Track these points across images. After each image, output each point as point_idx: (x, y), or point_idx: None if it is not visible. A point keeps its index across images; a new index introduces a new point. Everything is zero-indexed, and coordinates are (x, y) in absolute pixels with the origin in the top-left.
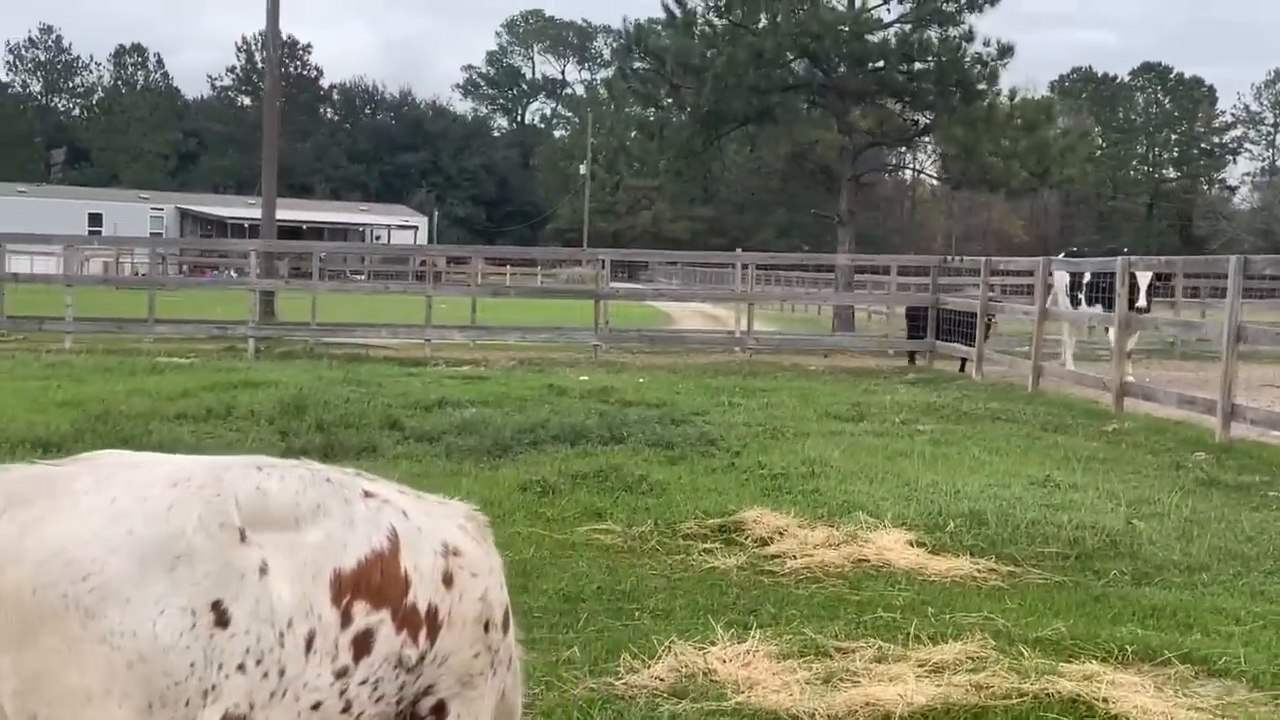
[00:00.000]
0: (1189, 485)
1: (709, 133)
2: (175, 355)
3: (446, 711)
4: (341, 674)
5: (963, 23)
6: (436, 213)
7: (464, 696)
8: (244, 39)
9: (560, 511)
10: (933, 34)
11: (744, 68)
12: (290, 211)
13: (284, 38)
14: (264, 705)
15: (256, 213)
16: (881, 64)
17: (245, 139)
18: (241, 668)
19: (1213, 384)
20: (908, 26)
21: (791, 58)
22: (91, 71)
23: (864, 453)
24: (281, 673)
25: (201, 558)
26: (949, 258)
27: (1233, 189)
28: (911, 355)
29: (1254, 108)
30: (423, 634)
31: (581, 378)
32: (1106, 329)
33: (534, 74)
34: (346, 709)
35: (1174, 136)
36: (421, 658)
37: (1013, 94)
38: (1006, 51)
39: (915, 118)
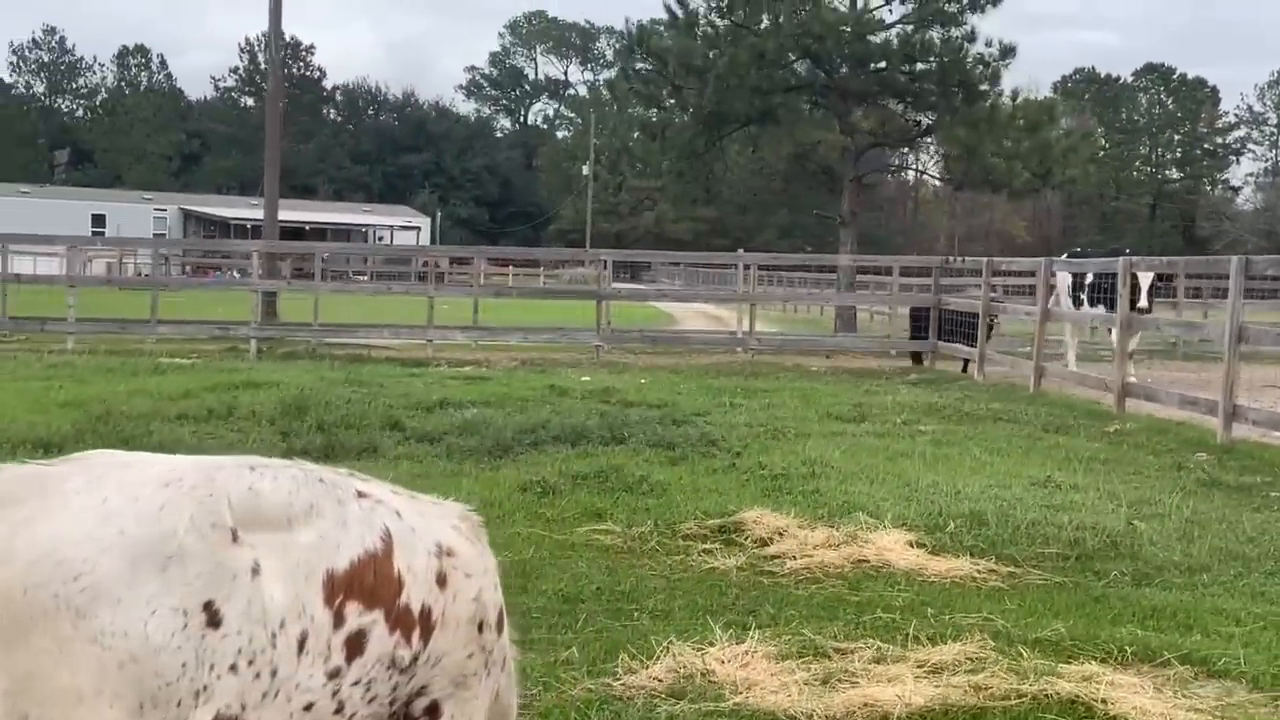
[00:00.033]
0: (1190, 486)
1: (711, 133)
2: (177, 356)
3: (440, 712)
4: (334, 675)
5: (964, 23)
6: (439, 213)
7: (458, 697)
8: (247, 40)
9: (560, 512)
10: (935, 34)
11: (746, 68)
12: (293, 212)
13: (287, 39)
14: (256, 706)
15: (259, 213)
16: (883, 65)
17: (248, 140)
18: (233, 668)
19: (1215, 385)
20: (910, 27)
21: (793, 58)
22: (95, 72)
23: (865, 453)
24: (274, 673)
25: (193, 558)
26: (950, 258)
27: (1236, 189)
28: (916, 356)
29: (1257, 108)
30: (416, 635)
31: (583, 378)
32: (1109, 330)
33: (537, 75)
34: (339, 710)
35: (1177, 137)
36: (415, 658)
37: (1015, 95)
38: (1008, 52)
39: (917, 118)
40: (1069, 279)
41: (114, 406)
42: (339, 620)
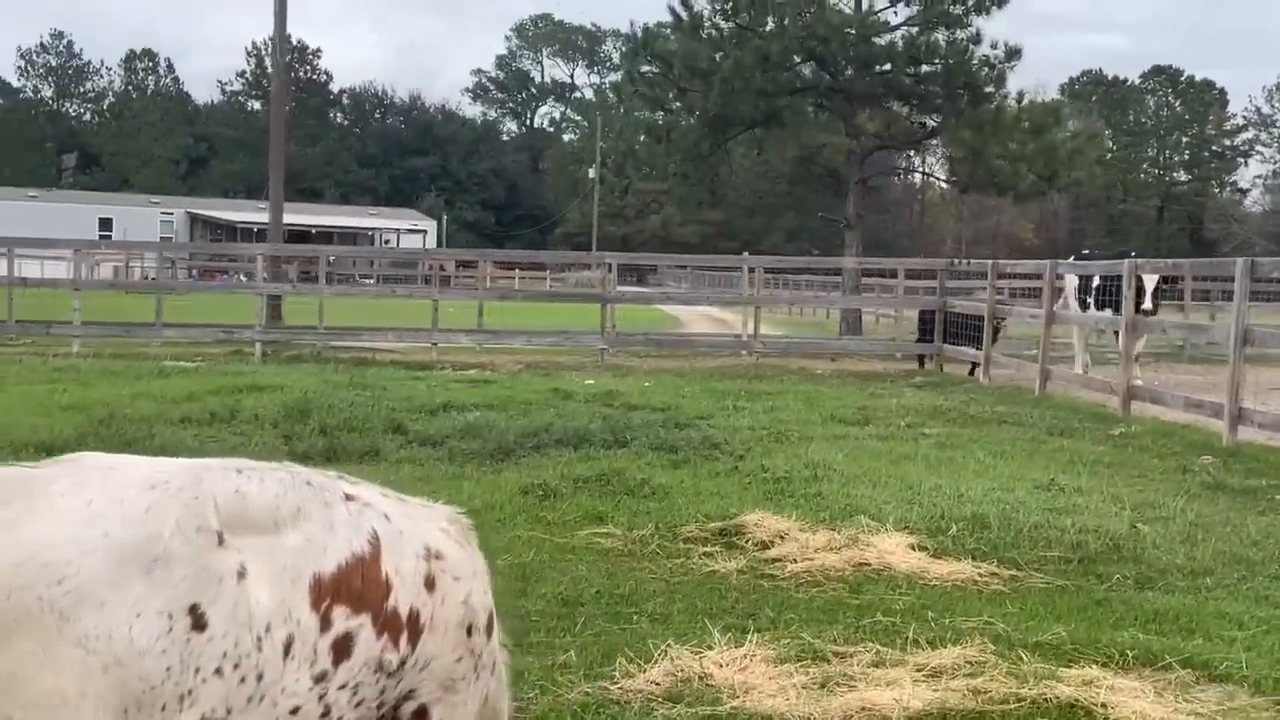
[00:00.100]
0: (1195, 489)
1: (716, 136)
2: (182, 359)
3: (428, 716)
4: (320, 679)
5: (970, 25)
6: (445, 217)
7: (446, 701)
8: (253, 44)
9: (561, 515)
10: (940, 37)
11: (751, 71)
12: (299, 216)
13: (293, 42)
14: (241, 710)
15: (266, 217)
16: (889, 67)
17: (255, 143)
18: (219, 672)
19: (1221, 387)
20: (915, 29)
21: (798, 61)
22: (102, 76)
23: (868, 456)
24: (259, 677)
25: (178, 561)
26: (956, 261)
27: (1244, 192)
28: (922, 358)
29: (1265, 110)
30: (404, 638)
31: (587, 381)
32: (1115, 332)
33: (543, 78)
34: (325, 714)
35: (1185, 139)
36: (402, 662)
37: (1020, 97)
38: (1014, 54)
39: (923, 121)
40: (1076, 281)
41: (117, 410)
42: (326, 624)
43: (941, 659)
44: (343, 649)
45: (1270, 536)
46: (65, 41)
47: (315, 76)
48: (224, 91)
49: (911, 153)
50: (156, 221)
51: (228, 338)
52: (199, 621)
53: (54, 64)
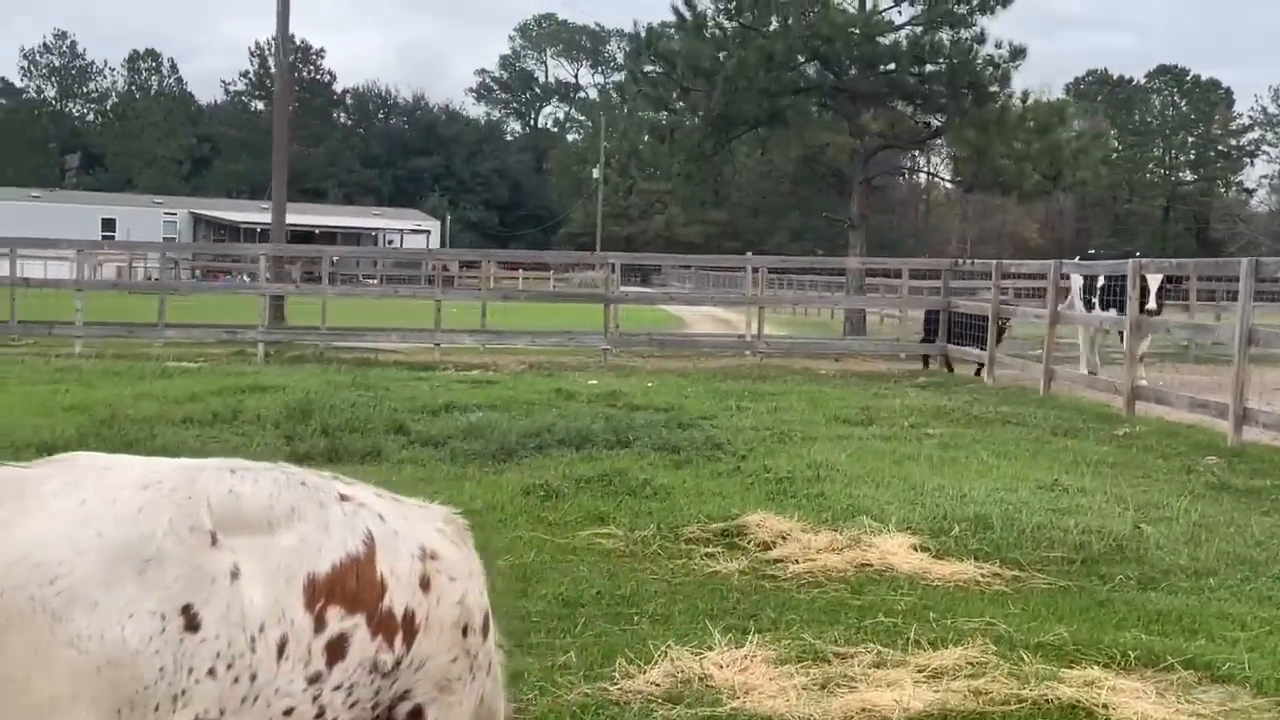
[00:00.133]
0: (1199, 490)
1: (720, 136)
2: (184, 360)
3: (423, 717)
4: (314, 679)
5: (974, 25)
6: (449, 217)
7: (441, 702)
8: (257, 44)
9: (563, 516)
10: (944, 36)
11: (754, 70)
12: (303, 216)
13: (297, 43)
14: (235, 711)
15: (269, 217)
16: (893, 66)
17: (258, 144)
18: (212, 673)
19: (1226, 387)
20: (919, 29)
21: (802, 60)
22: (106, 77)
23: (871, 457)
24: (253, 678)
25: (171, 561)
26: (960, 261)
27: (1250, 192)
28: (925, 359)
29: (1271, 110)
30: (399, 639)
31: (590, 382)
32: (1120, 333)
33: (547, 78)
34: (320, 715)
35: (1190, 139)
36: (397, 663)
37: (1025, 96)
38: (1018, 54)
39: (927, 120)
40: (1081, 282)
41: (119, 410)
42: (320, 624)
43: (943, 660)
44: (337, 650)
45: (1274, 537)
46: (68, 42)
47: (319, 76)
48: (227, 92)
49: (916, 152)
50: (159, 222)
51: (230, 338)
52: (192, 622)
53: (57, 64)
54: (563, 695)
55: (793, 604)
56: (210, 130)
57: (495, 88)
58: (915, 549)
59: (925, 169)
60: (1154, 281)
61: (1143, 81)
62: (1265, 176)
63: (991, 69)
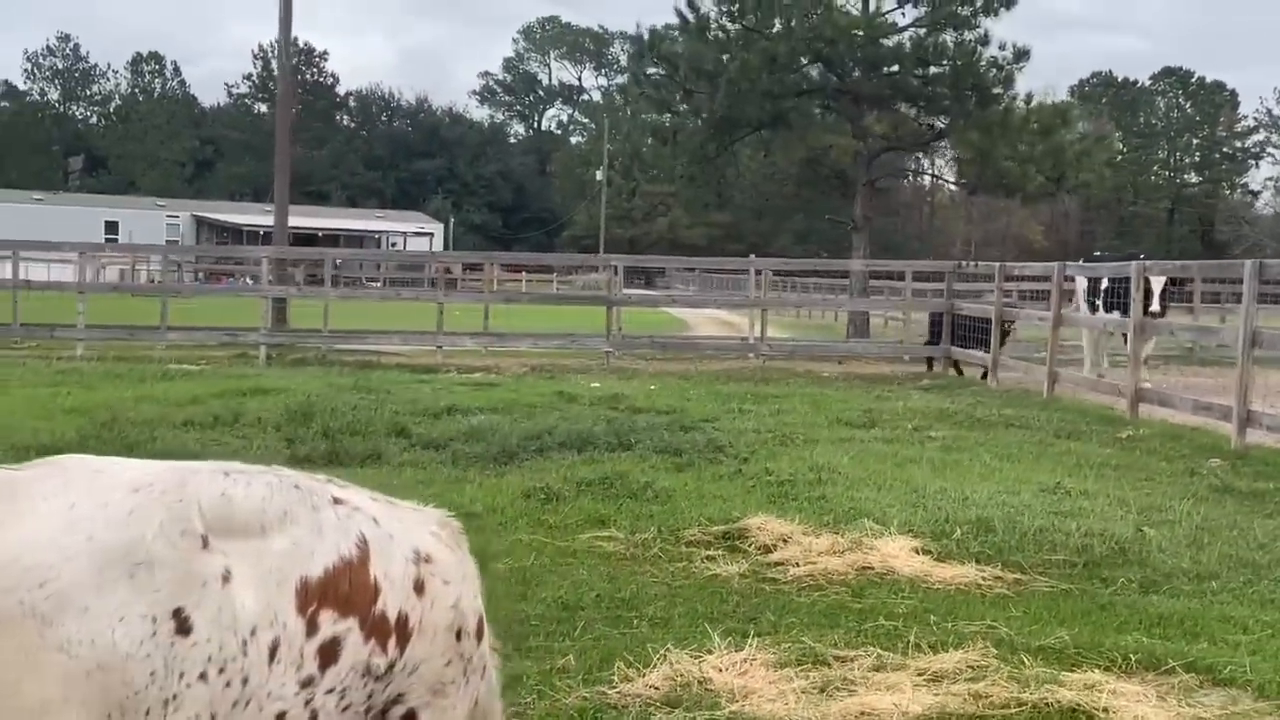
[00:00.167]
0: (1202, 492)
1: (722, 138)
2: (186, 362)
3: None
4: (307, 683)
5: (978, 27)
6: (453, 219)
7: (435, 705)
8: (260, 46)
9: (563, 518)
10: (948, 38)
11: (757, 72)
12: (306, 218)
13: (300, 45)
14: (226, 715)
15: (272, 220)
16: (896, 68)
17: (261, 146)
18: (203, 677)
19: (1230, 390)
20: (922, 30)
21: (805, 62)
22: (109, 79)
23: (873, 459)
24: (244, 682)
25: (162, 565)
26: (963, 263)
27: (1255, 194)
28: (930, 361)
29: (1276, 112)
30: (392, 642)
31: (592, 384)
32: (1123, 335)
33: (551, 80)
34: (312, 718)
35: (1195, 141)
36: (391, 666)
37: (1029, 98)
38: (1022, 55)
39: (930, 122)
40: (1085, 284)
41: (120, 413)
42: (312, 628)
43: (943, 663)
44: (330, 653)
45: (1277, 540)
46: (72, 44)
47: (322, 79)
48: (230, 94)
49: (920, 155)
50: (162, 224)
51: (232, 341)
52: (183, 625)
53: (60, 67)
54: (561, 699)
55: (793, 607)
56: (213, 133)
57: (499, 90)
58: (917, 552)
59: (929, 171)
60: (1157, 284)
61: (1147, 83)
62: (1270, 179)
63: (995, 71)
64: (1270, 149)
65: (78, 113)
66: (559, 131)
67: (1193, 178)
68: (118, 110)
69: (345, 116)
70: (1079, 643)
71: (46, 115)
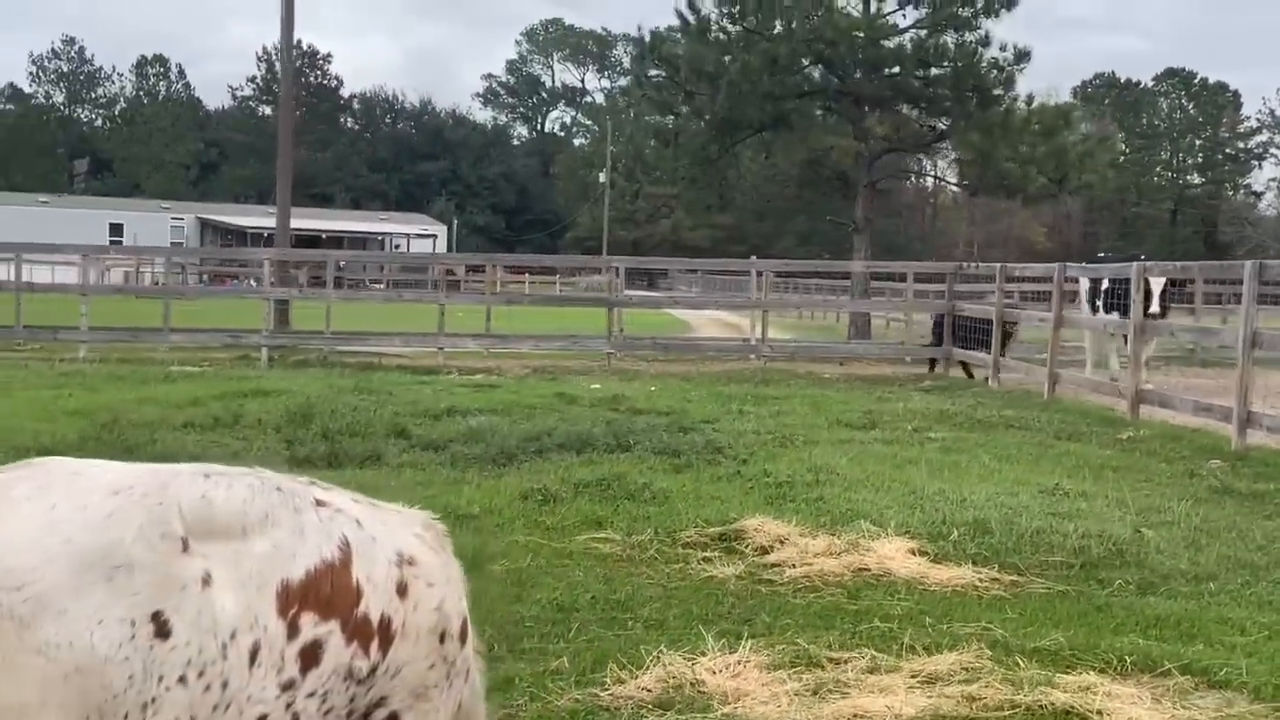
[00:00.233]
0: (1201, 493)
1: (724, 140)
2: (189, 364)
3: None
4: (288, 686)
5: (979, 28)
6: (456, 221)
7: (418, 709)
8: (264, 49)
9: (560, 520)
10: (949, 39)
11: (758, 74)
12: (309, 220)
13: (304, 48)
14: (206, 718)
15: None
16: (897, 70)
17: (266, 149)
18: (183, 680)
19: (1231, 391)
20: (923, 32)
21: (806, 64)
22: (114, 82)
23: (872, 460)
24: (224, 685)
25: (141, 568)
26: (965, 264)
27: (1258, 194)
28: (932, 362)
29: (1279, 113)
30: (374, 645)
31: (593, 386)
32: (1124, 336)
33: (554, 82)
34: None
35: (1198, 142)
36: (373, 669)
37: (1030, 99)
38: (1023, 57)
39: (931, 123)
40: (1088, 285)
41: (121, 415)
42: (293, 631)
43: (937, 665)
44: (311, 656)
45: (1276, 541)
46: (77, 47)
47: (326, 81)
48: (235, 97)
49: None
50: (167, 227)
51: (235, 342)
52: (162, 629)
53: (65, 70)
54: (553, 701)
55: (788, 609)
56: (218, 135)
57: (502, 92)
58: (913, 553)
59: (931, 173)
60: (1156, 285)
61: (1150, 84)
62: (1273, 179)
63: (996, 72)
64: (1273, 150)
65: (82, 115)
66: (562, 133)
67: (1196, 179)
68: (122, 113)
69: (349, 119)
70: (1074, 644)
71: (51, 118)
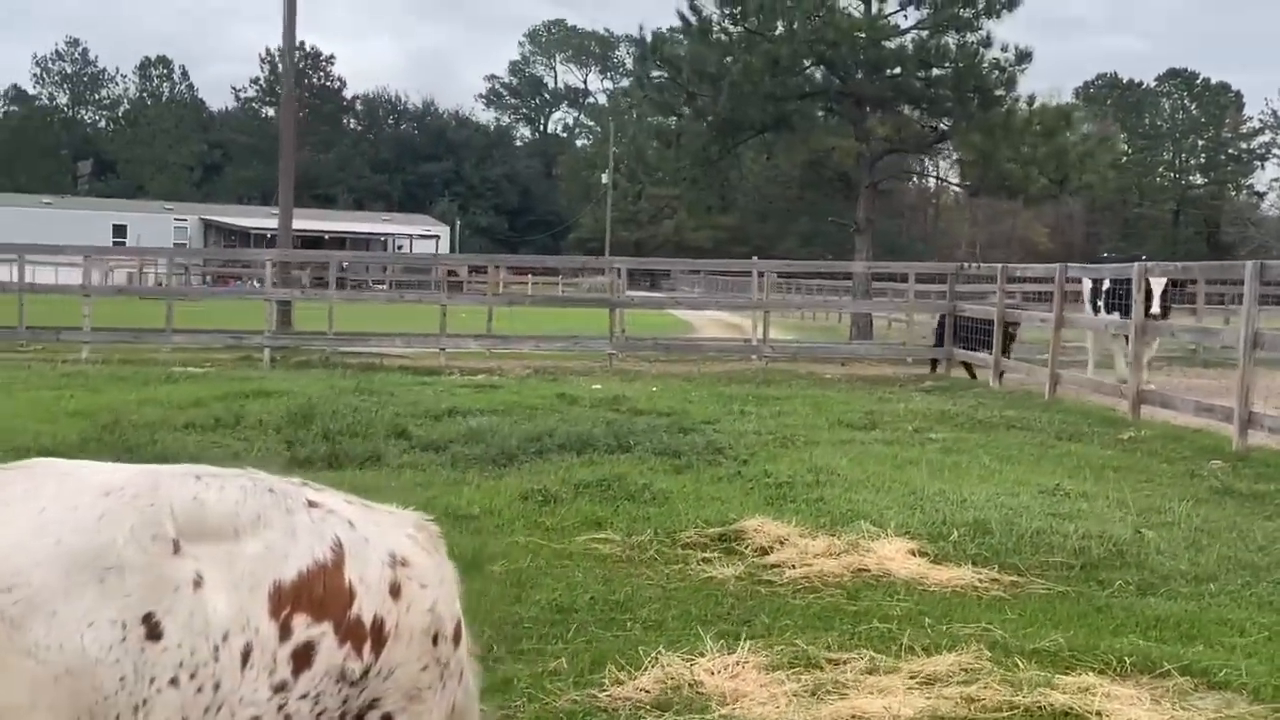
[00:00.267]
0: (1202, 494)
1: (725, 141)
2: (191, 365)
3: None
4: (280, 688)
5: (980, 29)
6: (459, 222)
7: (411, 711)
8: (267, 50)
9: (560, 521)
10: (950, 40)
11: (760, 75)
12: (312, 221)
13: (307, 49)
14: None
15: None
16: (899, 70)
17: (269, 150)
18: (174, 682)
19: (1232, 391)
20: (925, 32)
21: (808, 65)
22: (117, 84)
23: (872, 461)
24: (216, 687)
25: (132, 569)
26: (966, 265)
27: (1260, 195)
28: (934, 363)
29: None
30: (367, 647)
31: (594, 386)
32: (1125, 337)
33: (556, 83)
34: None
35: (1201, 143)
36: (366, 671)
37: (1031, 100)
38: (1024, 57)
39: (933, 124)
40: (1090, 285)
41: (123, 416)
42: (286, 632)
43: (936, 666)
44: (303, 658)
45: (1277, 542)
46: (80, 49)
47: (329, 83)
48: (238, 98)
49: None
50: (170, 228)
51: (237, 343)
52: (153, 631)
53: (69, 71)
54: (551, 701)
55: (787, 609)
56: (221, 137)
57: (505, 93)
58: (913, 554)
59: (932, 173)
60: (1157, 285)
61: (1153, 85)
62: (1276, 180)
63: (997, 73)
64: (1275, 150)
65: (86, 117)
66: (565, 134)
67: (1198, 179)
68: (126, 114)
69: (352, 120)
70: (1074, 645)
71: (55, 119)
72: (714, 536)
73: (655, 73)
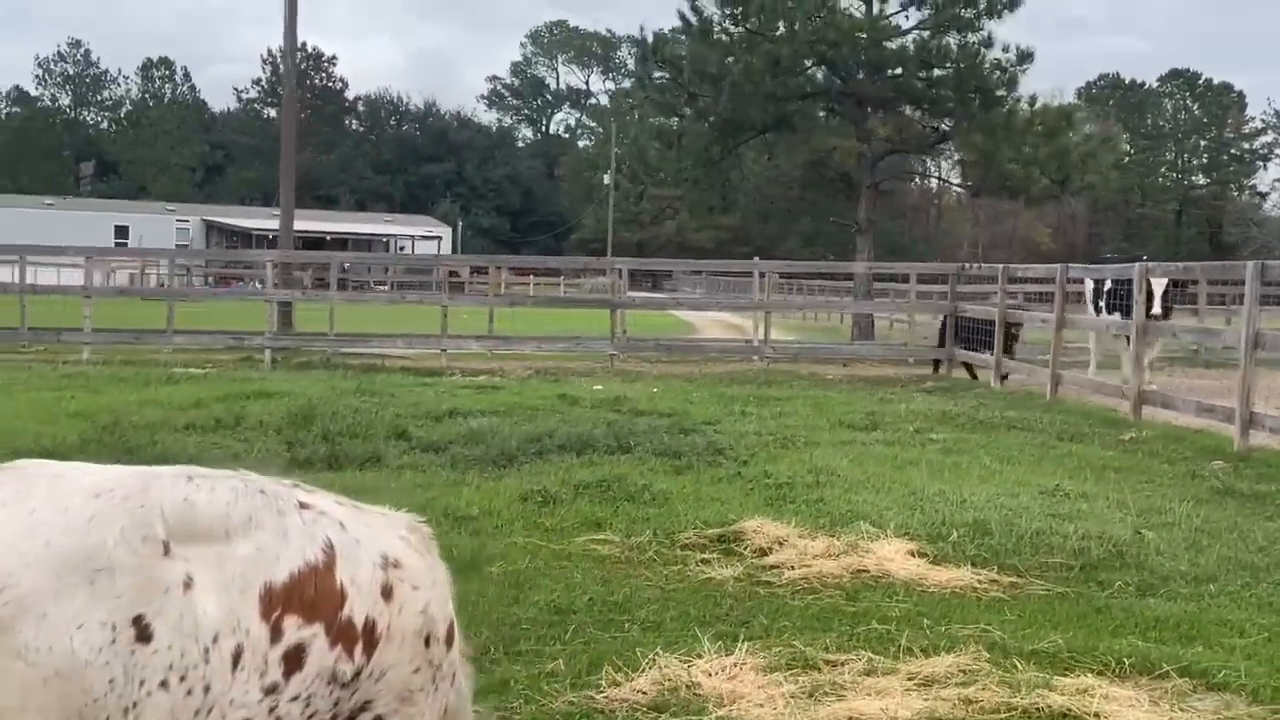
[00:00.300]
0: (1203, 494)
1: (726, 141)
2: (192, 366)
3: None
4: (271, 690)
5: (981, 29)
6: (461, 223)
7: (403, 713)
8: (269, 51)
9: (559, 521)
10: (951, 40)
11: (761, 75)
12: (314, 223)
13: (309, 50)
14: None
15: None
16: (900, 71)
17: (271, 150)
18: (164, 684)
19: (1234, 392)
20: (926, 33)
21: (809, 65)
22: (120, 85)
23: (872, 462)
24: (206, 689)
25: (123, 571)
26: (967, 265)
27: (1263, 195)
28: (936, 363)
29: None
30: (359, 648)
31: (595, 387)
32: (1126, 337)
33: (558, 84)
34: None
35: (1203, 143)
36: (357, 673)
37: (1033, 100)
38: (1026, 58)
39: (934, 125)
40: (1092, 286)
41: (123, 417)
42: (276, 634)
43: (934, 667)
44: (294, 660)
45: (1277, 543)
46: (83, 50)
47: (331, 84)
48: (240, 99)
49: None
50: (172, 229)
51: (238, 344)
52: (143, 633)
53: (71, 72)
54: (548, 703)
55: (786, 610)
56: (223, 137)
57: (506, 94)
58: (912, 555)
59: (934, 174)
60: (1158, 286)
61: (1155, 85)
62: (1278, 180)
63: (999, 73)
64: (1278, 151)
65: (88, 118)
66: (567, 135)
67: (1200, 179)
68: (128, 115)
69: (354, 121)
70: (1073, 646)
71: (58, 120)
72: (713, 537)
73: (657, 73)
